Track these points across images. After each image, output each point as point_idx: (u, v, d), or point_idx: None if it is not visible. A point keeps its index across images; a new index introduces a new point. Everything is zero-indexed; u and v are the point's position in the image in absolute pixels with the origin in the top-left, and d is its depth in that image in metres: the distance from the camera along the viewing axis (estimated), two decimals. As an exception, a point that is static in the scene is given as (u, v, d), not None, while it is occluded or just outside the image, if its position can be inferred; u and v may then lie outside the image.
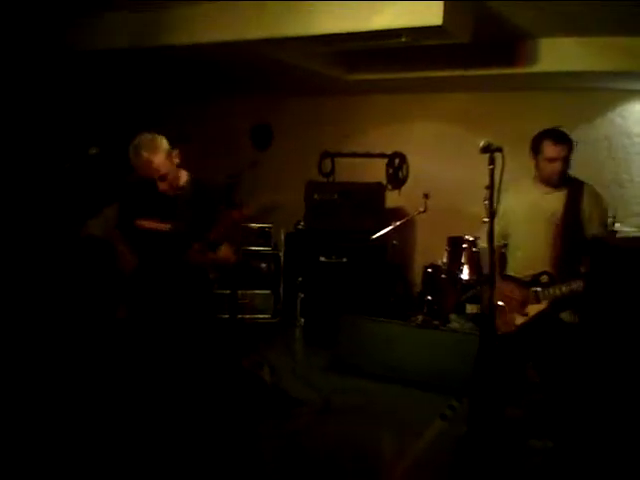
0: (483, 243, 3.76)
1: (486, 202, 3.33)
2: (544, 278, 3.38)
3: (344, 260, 5.92)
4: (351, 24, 3.96)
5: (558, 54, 5.12)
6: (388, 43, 4.35)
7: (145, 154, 3.05)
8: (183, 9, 4.42)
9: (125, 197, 3.32)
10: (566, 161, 3.36)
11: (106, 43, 4.74)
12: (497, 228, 3.62)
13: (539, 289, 3.39)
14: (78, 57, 5.17)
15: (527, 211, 3.50)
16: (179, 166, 3.24)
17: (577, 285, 3.24)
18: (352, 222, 5.93)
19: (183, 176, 3.27)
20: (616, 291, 2.05)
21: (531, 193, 3.52)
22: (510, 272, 3.57)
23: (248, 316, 6.07)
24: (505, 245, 3.68)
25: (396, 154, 6.98)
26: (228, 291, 5.41)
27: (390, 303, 5.97)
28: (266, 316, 6.25)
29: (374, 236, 5.11)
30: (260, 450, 3.84)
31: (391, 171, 6.99)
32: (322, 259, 5.95)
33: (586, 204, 3.34)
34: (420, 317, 5.52)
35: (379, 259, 5.86)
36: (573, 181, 3.46)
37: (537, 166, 3.45)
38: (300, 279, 6.21)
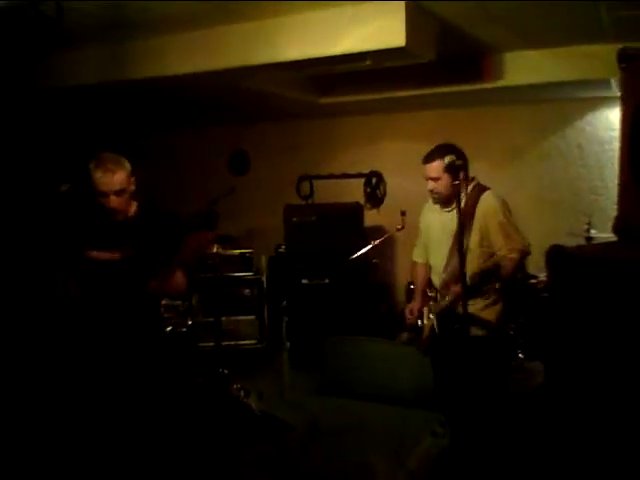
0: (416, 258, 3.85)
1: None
2: (432, 292, 3.49)
3: (326, 281, 5.94)
4: (316, 49, 4.01)
5: (523, 67, 5.21)
6: (353, 66, 4.43)
7: (110, 166, 3.07)
8: (149, 41, 4.46)
9: (73, 227, 3.29)
10: (446, 180, 3.25)
11: (74, 79, 4.76)
12: (420, 244, 3.75)
13: (431, 303, 3.47)
14: (46, 94, 5.19)
15: (437, 227, 3.53)
16: (131, 196, 3.25)
17: (452, 297, 3.26)
18: (332, 243, 5.94)
19: (133, 206, 3.29)
20: (579, 305, 2.01)
21: (437, 210, 3.53)
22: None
23: (234, 342, 6.05)
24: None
25: (373, 173, 7.04)
26: (212, 319, 5.42)
27: (374, 322, 5.97)
28: (252, 342, 6.23)
29: (353, 256, 5.13)
30: (249, 476, 3.81)
31: (369, 190, 7.06)
32: (304, 281, 5.97)
33: (479, 220, 3.27)
34: (405, 334, 5.51)
35: (361, 278, 5.88)
36: (473, 194, 3.35)
37: None
38: (284, 303, 6.20)
